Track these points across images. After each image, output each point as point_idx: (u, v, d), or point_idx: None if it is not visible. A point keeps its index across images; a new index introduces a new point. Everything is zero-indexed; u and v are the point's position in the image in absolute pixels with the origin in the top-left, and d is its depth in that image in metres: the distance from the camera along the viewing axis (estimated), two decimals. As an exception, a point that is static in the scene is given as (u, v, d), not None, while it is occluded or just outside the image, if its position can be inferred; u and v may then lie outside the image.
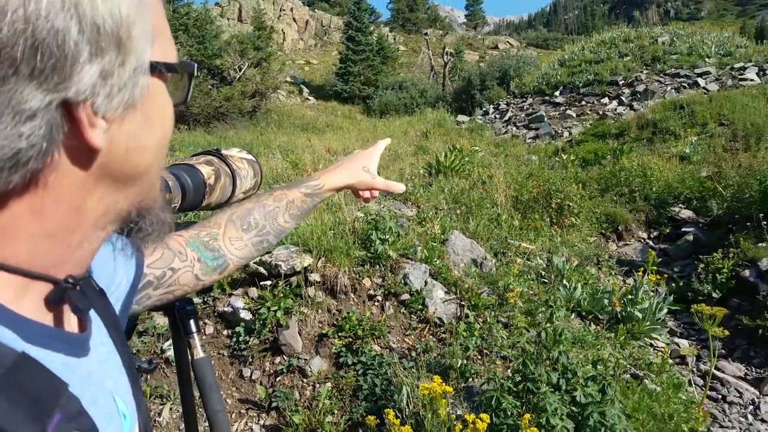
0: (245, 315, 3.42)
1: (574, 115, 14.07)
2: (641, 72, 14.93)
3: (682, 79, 13.94)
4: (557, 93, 15.60)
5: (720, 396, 3.64)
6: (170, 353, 3.16)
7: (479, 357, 3.33)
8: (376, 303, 3.63)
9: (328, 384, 3.08)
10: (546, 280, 4.51)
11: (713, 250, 5.11)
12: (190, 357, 1.24)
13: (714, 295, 4.71)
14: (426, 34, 39.17)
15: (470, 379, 3.07)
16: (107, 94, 0.38)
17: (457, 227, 4.94)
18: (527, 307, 3.55)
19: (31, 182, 0.38)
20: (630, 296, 4.19)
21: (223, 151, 1.27)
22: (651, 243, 6.54)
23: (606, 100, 14.31)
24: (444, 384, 2.12)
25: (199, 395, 1.22)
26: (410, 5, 46.80)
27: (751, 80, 12.90)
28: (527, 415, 2.04)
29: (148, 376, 3.08)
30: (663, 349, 3.66)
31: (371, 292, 3.66)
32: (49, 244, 0.42)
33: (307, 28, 39.87)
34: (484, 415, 1.88)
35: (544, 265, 4.81)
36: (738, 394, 3.64)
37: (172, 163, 1.15)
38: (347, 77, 27.44)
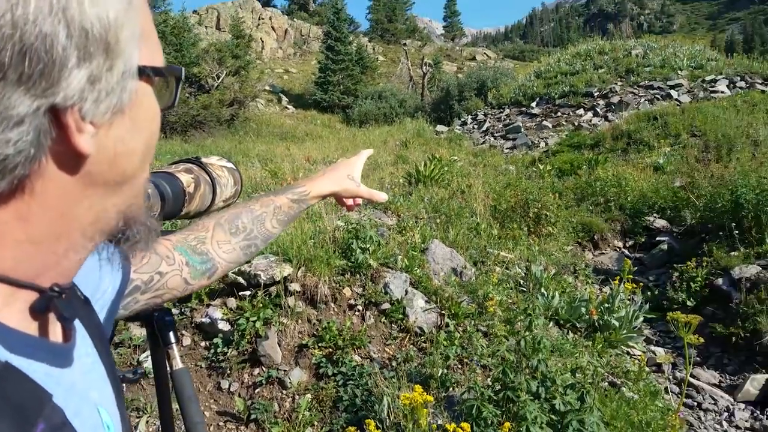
0: (223, 326, 3.38)
1: (550, 125, 14.28)
2: (615, 84, 15.24)
3: (655, 91, 14.26)
4: (534, 104, 15.83)
5: (696, 403, 3.70)
6: (147, 365, 3.10)
7: (460, 366, 3.34)
8: (357, 312, 3.62)
9: (308, 395, 3.05)
10: (524, 289, 4.55)
11: (687, 259, 5.22)
12: (168, 368, 1.22)
13: (689, 303, 4.80)
14: (405, 44, 39.45)
15: (451, 389, 3.07)
16: (95, 99, 0.38)
17: (437, 236, 4.96)
18: (506, 315, 3.57)
19: (17, 188, 0.38)
20: (607, 305, 4.25)
21: (203, 159, 1.26)
22: (626, 252, 6.65)
23: (581, 111, 14.56)
24: (425, 394, 2.11)
25: (177, 407, 1.20)
26: (389, 16, 47.10)
27: (722, 92, 13.25)
28: (507, 424, 2.05)
29: (124, 387, 3.01)
30: (640, 357, 3.72)
31: (352, 301, 3.65)
32: (34, 251, 0.41)
33: (286, 37, 39.82)
34: (465, 425, 1.88)
35: (523, 274, 4.85)
36: (713, 401, 3.70)
37: (150, 172, 1.14)
38: (327, 86, 27.44)
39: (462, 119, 17.95)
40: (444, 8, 57.05)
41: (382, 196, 1.15)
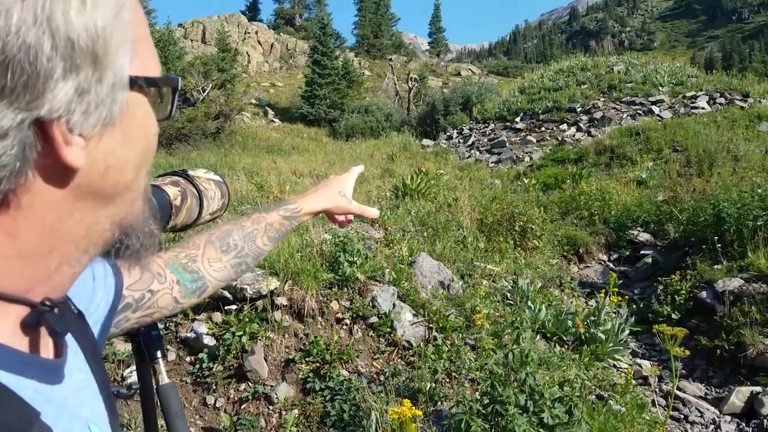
0: (209, 341, 3.33)
1: (535, 140, 14.43)
2: (598, 99, 15.48)
3: (637, 107, 14.50)
4: (518, 119, 16.01)
5: (682, 416, 3.71)
6: (132, 380, 3.05)
7: (448, 380, 3.32)
8: (344, 326, 3.60)
9: (295, 411, 3.01)
10: (511, 302, 4.56)
11: (671, 272, 5.27)
12: (154, 383, 1.20)
13: (673, 316, 4.84)
14: (391, 59, 39.70)
15: (439, 403, 3.05)
16: (84, 111, 0.36)
17: (425, 249, 4.96)
18: (494, 328, 3.56)
19: (2, 203, 0.36)
20: (593, 318, 4.27)
21: (190, 172, 1.25)
22: (611, 265, 6.70)
23: (565, 126, 14.75)
24: (413, 408, 2.10)
25: (163, 423, 1.18)
26: (375, 31, 47.46)
27: (703, 108, 13.51)
28: (497, 438, 2.03)
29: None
30: (626, 370, 3.73)
31: (339, 315, 3.63)
32: (24, 266, 0.40)
33: (272, 51, 39.90)
34: (455, 439, 1.87)
35: (510, 287, 4.86)
36: (699, 414, 3.72)
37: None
38: (313, 100, 27.50)
39: (448, 133, 18.09)
40: (429, 24, 57.64)
41: (373, 212, 1.15)
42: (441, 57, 54.65)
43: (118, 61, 0.38)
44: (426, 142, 17.53)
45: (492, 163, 13.72)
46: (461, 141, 16.61)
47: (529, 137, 14.67)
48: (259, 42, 39.26)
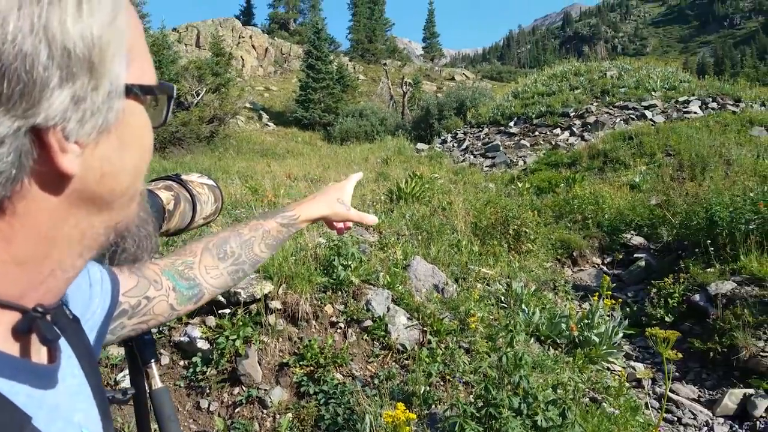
0: (202, 344, 3.32)
1: (528, 144, 14.48)
2: (591, 104, 15.56)
3: (630, 111, 14.59)
4: (512, 123, 16.07)
5: (675, 418, 3.72)
6: (126, 384, 3.03)
7: (442, 383, 3.32)
8: (339, 330, 3.59)
9: (289, 414, 3.00)
10: (505, 305, 4.57)
11: (664, 276, 5.29)
12: (147, 387, 1.20)
13: (666, 319, 4.86)
14: (385, 64, 39.84)
15: (433, 406, 3.05)
16: (79, 119, 0.37)
17: (419, 253, 4.97)
18: (488, 332, 3.57)
19: None
20: (586, 321, 4.28)
21: (183, 177, 1.25)
22: (605, 268, 6.73)
23: (558, 130, 14.81)
24: (407, 411, 2.10)
25: (156, 427, 1.17)
26: (369, 36, 47.59)
27: (695, 113, 13.61)
28: (491, 441, 2.03)
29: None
30: (620, 373, 3.74)
31: (333, 318, 3.62)
32: (19, 271, 0.40)
33: (266, 56, 39.92)
34: (449, 442, 1.87)
35: (504, 290, 4.87)
36: (692, 416, 3.73)
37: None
38: (307, 104, 27.52)
39: (442, 138, 18.13)
40: (423, 29, 57.84)
41: (372, 219, 1.15)
42: (435, 62, 54.82)
43: (114, 69, 0.39)
44: (420, 146, 17.56)
45: (486, 167, 13.76)
46: (455, 145, 16.65)
47: (522, 141, 14.72)
48: (253, 46, 39.29)
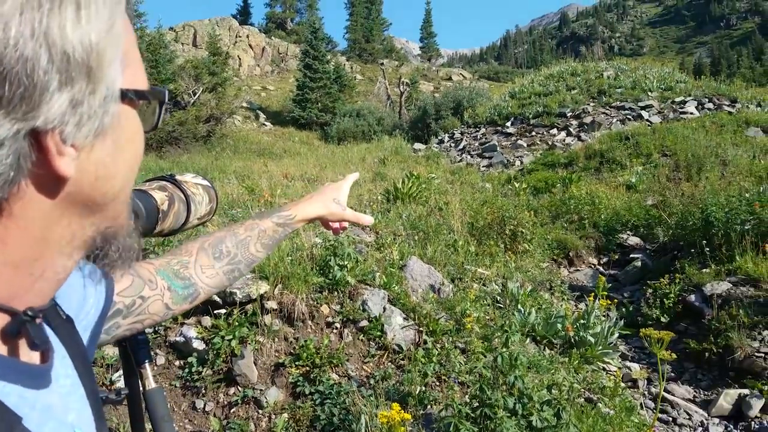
0: (198, 345, 3.32)
1: (525, 145, 14.50)
2: (588, 104, 15.58)
3: (626, 112, 14.62)
4: (508, 123, 16.08)
5: (671, 418, 3.73)
6: (120, 384, 3.03)
7: (438, 383, 3.32)
8: (335, 330, 3.59)
9: (285, 415, 3.00)
10: (501, 305, 4.57)
11: (660, 276, 5.31)
12: (141, 387, 1.19)
13: (662, 319, 4.87)
14: (382, 64, 39.82)
15: (429, 406, 3.05)
16: (77, 123, 0.37)
17: (415, 253, 4.97)
18: (484, 332, 3.57)
19: None
20: (582, 321, 4.28)
21: (177, 177, 1.25)
22: (601, 269, 6.74)
23: (555, 131, 14.83)
24: (403, 412, 2.10)
25: (151, 428, 1.17)
26: (366, 36, 47.58)
27: (691, 113, 13.64)
28: (486, 441, 2.04)
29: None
30: (615, 373, 3.75)
31: (329, 319, 3.62)
32: (12, 273, 0.40)
33: (263, 55, 39.87)
34: (444, 442, 1.87)
35: (500, 290, 4.87)
36: (687, 416, 3.74)
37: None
38: (305, 104, 27.50)
39: (439, 137, 18.14)
40: (420, 29, 57.88)
41: (368, 220, 1.15)
42: (432, 62, 54.85)
43: (111, 74, 0.39)
44: (417, 146, 17.56)
45: (483, 167, 13.77)
46: (452, 145, 16.66)
47: (519, 141, 14.74)
48: (250, 45, 39.24)
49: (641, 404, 3.77)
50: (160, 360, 3.33)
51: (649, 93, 15.49)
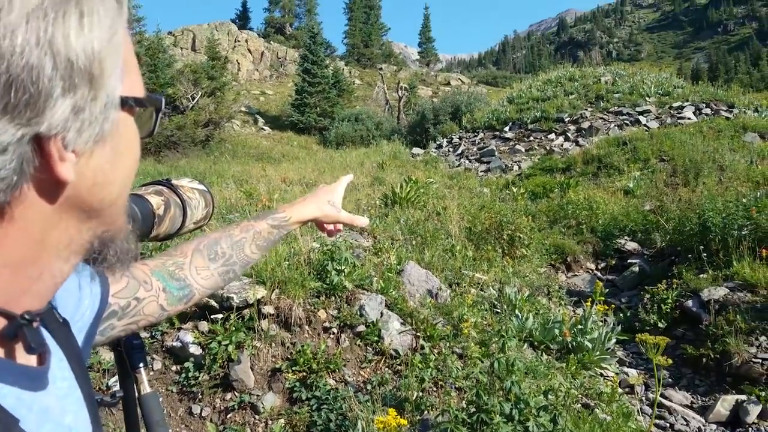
0: (195, 350, 3.31)
1: (523, 149, 14.52)
2: (586, 109, 15.61)
3: (624, 117, 14.64)
4: (507, 128, 16.10)
5: (668, 424, 3.73)
6: (116, 389, 3.02)
7: (434, 389, 3.32)
8: (332, 335, 3.59)
9: (281, 420, 2.99)
10: (499, 310, 4.57)
11: (658, 281, 5.31)
12: (136, 392, 1.19)
13: (660, 325, 4.87)
14: (381, 69, 39.85)
15: (425, 412, 3.05)
16: (78, 129, 0.38)
17: (413, 258, 4.97)
18: (481, 337, 3.57)
19: None
20: (580, 326, 4.28)
21: (174, 181, 1.25)
22: (599, 274, 6.74)
23: (553, 135, 14.85)
24: (399, 417, 2.10)
25: (146, 433, 1.17)
26: (365, 41, 47.67)
27: (689, 118, 13.67)
28: (483, 447, 2.03)
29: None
30: (612, 379, 3.75)
31: (327, 324, 3.62)
32: (10, 275, 0.41)
33: (262, 60, 39.91)
34: (440, 448, 1.87)
35: (497, 295, 4.87)
36: (685, 422, 3.74)
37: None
38: (303, 108, 27.52)
39: (438, 142, 18.15)
40: (419, 34, 57.95)
41: (363, 221, 1.15)
42: (431, 66, 54.94)
43: (112, 81, 0.40)
44: (416, 150, 17.57)
45: (481, 171, 13.78)
46: (451, 150, 16.67)
47: (517, 146, 14.76)
48: (249, 50, 39.27)
49: (638, 410, 3.77)
50: (157, 365, 3.32)
51: (647, 98, 15.52)
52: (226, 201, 7.15)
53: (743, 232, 5.25)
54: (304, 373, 3.24)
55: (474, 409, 2.49)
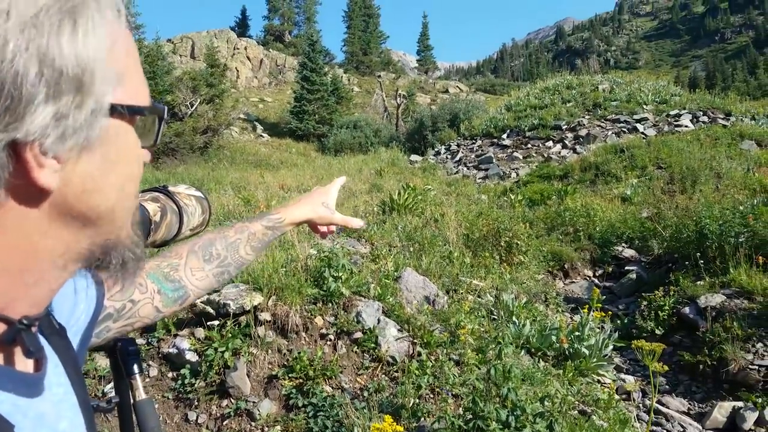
0: (191, 356, 3.30)
1: (521, 157, 14.56)
2: (583, 117, 15.67)
3: (621, 125, 14.70)
4: (504, 136, 16.15)
5: (665, 431, 3.72)
6: (111, 395, 3.01)
7: (431, 395, 3.31)
8: (329, 342, 3.58)
9: (278, 427, 2.99)
10: (496, 317, 4.57)
11: (655, 288, 5.32)
12: (131, 399, 1.19)
13: (657, 331, 4.87)
14: (379, 76, 39.98)
15: (422, 419, 3.04)
16: (60, 135, 0.37)
17: (410, 264, 4.97)
18: (478, 344, 3.57)
19: None
20: (577, 333, 4.28)
21: (170, 188, 1.26)
22: (596, 281, 6.74)
23: (550, 143, 14.91)
24: (395, 424, 2.10)
25: (140, 440, 1.17)
26: (364, 48, 47.87)
27: (686, 126, 13.73)
28: (478, 454, 2.03)
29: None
30: (609, 385, 3.75)
31: (323, 330, 3.61)
32: (3, 280, 0.40)
33: (261, 67, 40.02)
34: (435, 455, 1.87)
35: (494, 302, 4.87)
36: (682, 429, 3.74)
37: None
38: (302, 115, 27.60)
39: (436, 149, 18.19)
40: (418, 42, 58.15)
41: (357, 223, 1.16)
42: (429, 74, 55.11)
43: (102, 89, 0.39)
44: (414, 157, 17.61)
45: (479, 178, 13.81)
46: (449, 157, 16.71)
47: (515, 154, 14.80)
48: (248, 57, 39.39)
49: (635, 417, 3.76)
50: (153, 371, 3.31)
51: (644, 106, 15.59)
52: (224, 207, 7.16)
53: (740, 240, 5.26)
54: (301, 380, 3.23)
55: (470, 416, 2.49)
